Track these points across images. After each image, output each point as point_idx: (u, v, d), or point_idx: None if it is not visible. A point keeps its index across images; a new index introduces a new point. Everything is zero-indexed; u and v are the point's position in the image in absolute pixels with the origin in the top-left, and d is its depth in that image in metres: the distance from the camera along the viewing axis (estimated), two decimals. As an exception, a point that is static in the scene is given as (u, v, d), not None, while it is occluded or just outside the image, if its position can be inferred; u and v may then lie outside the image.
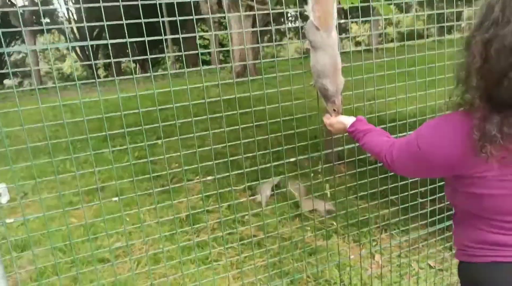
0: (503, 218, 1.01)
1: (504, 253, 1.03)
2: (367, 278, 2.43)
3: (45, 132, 1.46)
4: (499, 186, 0.97)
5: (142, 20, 1.40)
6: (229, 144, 1.72)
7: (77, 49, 25.62)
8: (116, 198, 1.69)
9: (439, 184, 2.16)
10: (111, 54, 1.48)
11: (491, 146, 0.89)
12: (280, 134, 1.81)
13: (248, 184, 1.85)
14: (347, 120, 1.52)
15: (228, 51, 22.77)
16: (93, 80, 1.54)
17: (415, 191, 2.14)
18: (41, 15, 1.36)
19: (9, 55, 26.66)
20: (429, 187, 2.16)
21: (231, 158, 1.72)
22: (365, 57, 1.83)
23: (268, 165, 1.84)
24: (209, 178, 1.64)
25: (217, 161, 1.74)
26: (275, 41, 1.83)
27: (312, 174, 1.98)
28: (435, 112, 1.97)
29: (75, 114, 8.18)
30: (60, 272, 2.63)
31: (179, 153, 1.66)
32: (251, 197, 3.11)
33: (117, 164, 1.60)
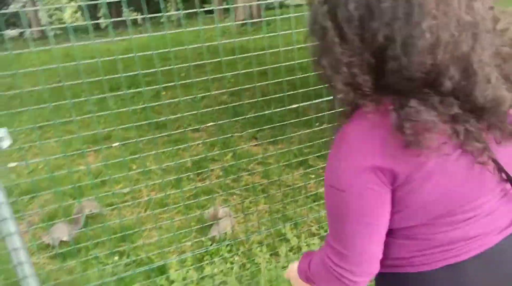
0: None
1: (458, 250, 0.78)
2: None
3: (48, 84, 1.44)
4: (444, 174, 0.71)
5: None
6: (232, 89, 1.70)
7: (77, -2, 24.88)
8: (121, 143, 1.70)
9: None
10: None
11: (428, 134, 0.66)
12: (285, 79, 1.79)
13: (251, 129, 1.85)
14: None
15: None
16: (97, 21, 1.50)
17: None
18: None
19: (9, 3, 25.92)
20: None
21: (235, 104, 1.71)
22: None
23: (271, 111, 1.83)
24: (211, 123, 1.64)
25: (221, 107, 1.74)
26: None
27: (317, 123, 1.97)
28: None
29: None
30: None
31: (181, 98, 1.65)
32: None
33: (122, 114, 1.60)
